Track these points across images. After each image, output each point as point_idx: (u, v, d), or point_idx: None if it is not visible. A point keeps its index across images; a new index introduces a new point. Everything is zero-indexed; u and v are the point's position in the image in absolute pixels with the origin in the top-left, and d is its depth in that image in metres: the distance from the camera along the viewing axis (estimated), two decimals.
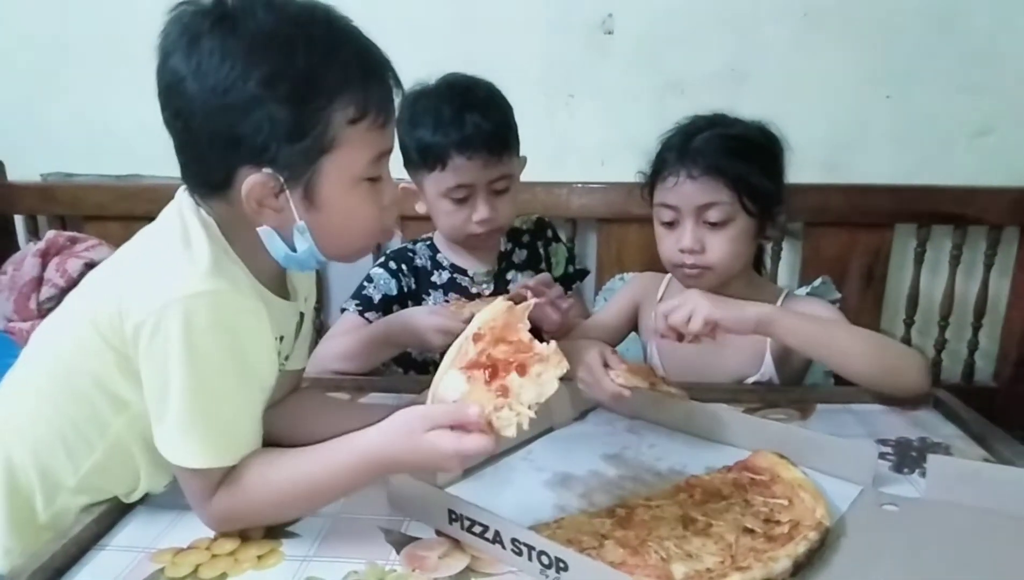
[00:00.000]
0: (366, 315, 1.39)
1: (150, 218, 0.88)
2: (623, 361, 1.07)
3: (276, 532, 0.83)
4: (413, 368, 1.47)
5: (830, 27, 1.84)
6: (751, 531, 0.80)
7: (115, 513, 0.87)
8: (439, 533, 0.83)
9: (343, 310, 1.43)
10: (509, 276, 1.49)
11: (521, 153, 1.40)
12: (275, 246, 0.84)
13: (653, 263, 1.33)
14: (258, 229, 0.83)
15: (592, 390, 1.07)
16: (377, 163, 0.85)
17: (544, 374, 0.73)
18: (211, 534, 0.83)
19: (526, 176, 1.43)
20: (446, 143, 1.28)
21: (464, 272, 1.47)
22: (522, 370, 0.73)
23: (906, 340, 1.95)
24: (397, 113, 0.87)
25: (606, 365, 1.06)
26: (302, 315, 0.99)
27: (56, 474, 0.85)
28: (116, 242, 0.95)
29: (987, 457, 1.00)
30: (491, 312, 0.77)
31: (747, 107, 1.24)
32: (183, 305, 0.75)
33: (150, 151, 0.82)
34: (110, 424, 0.84)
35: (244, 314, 0.80)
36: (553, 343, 0.75)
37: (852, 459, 0.93)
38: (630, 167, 1.30)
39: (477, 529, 0.78)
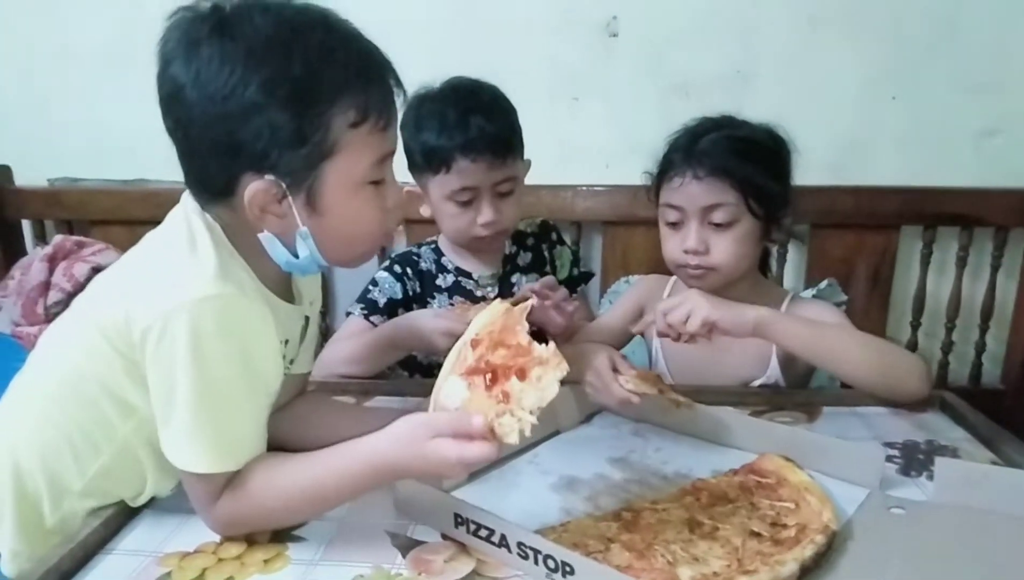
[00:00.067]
0: (371, 319, 1.40)
1: (156, 222, 0.88)
2: (632, 367, 1.07)
3: (282, 536, 0.83)
4: (418, 371, 1.47)
5: (836, 29, 1.84)
6: (758, 534, 0.79)
7: (122, 517, 0.87)
8: (445, 537, 0.83)
9: (348, 314, 1.43)
10: (514, 279, 1.49)
11: (526, 156, 1.40)
12: (277, 252, 0.84)
13: (658, 266, 1.33)
14: (259, 235, 0.83)
15: (600, 395, 1.06)
16: (380, 166, 0.85)
17: (544, 377, 0.72)
18: (217, 538, 0.83)
19: (531, 179, 1.43)
20: (451, 146, 1.28)
21: (469, 275, 1.47)
22: (522, 374, 0.72)
23: (913, 342, 1.94)
24: (401, 115, 0.87)
25: (615, 370, 1.06)
26: (307, 319, 0.99)
27: (63, 478, 0.86)
28: (123, 246, 0.95)
29: (995, 460, 0.99)
30: (488, 316, 0.77)
31: (753, 109, 1.24)
32: (190, 310, 0.75)
33: (156, 156, 0.82)
34: (117, 428, 0.84)
35: (250, 318, 0.80)
36: (552, 344, 0.74)
37: (859, 462, 0.93)
38: (635, 170, 1.30)
39: (483, 533, 0.78)
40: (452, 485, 0.91)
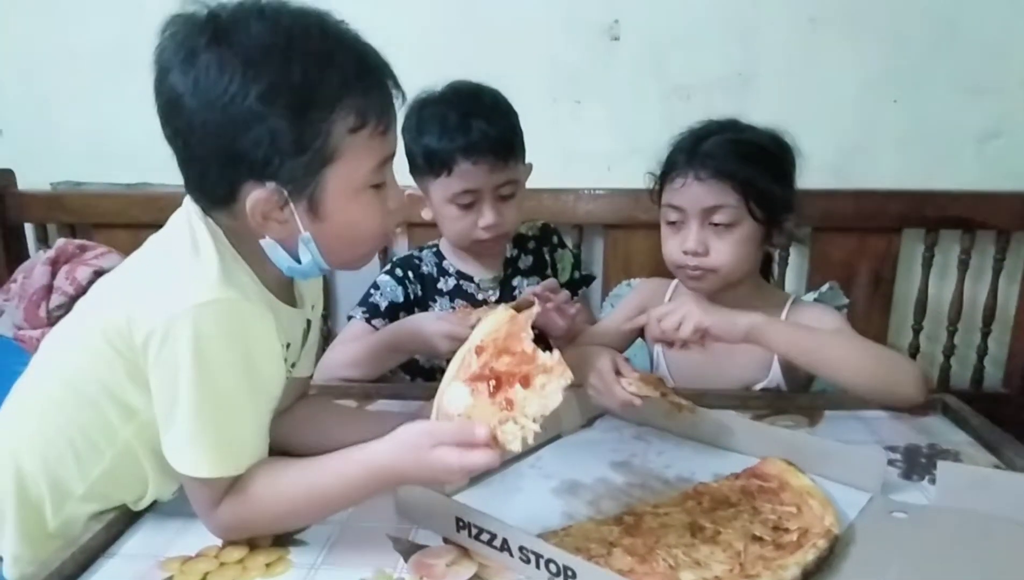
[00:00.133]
0: (373, 322, 1.40)
1: (158, 226, 0.88)
2: (635, 370, 1.07)
3: (284, 540, 0.83)
4: (420, 375, 1.47)
5: (836, 32, 1.84)
6: (760, 539, 0.79)
7: (123, 521, 0.87)
8: (447, 541, 0.83)
9: (349, 318, 1.44)
10: (515, 282, 1.50)
11: (528, 159, 1.40)
12: (279, 257, 0.85)
13: (660, 269, 1.33)
14: (261, 242, 0.83)
15: (602, 397, 1.06)
16: (380, 170, 0.85)
17: (548, 385, 0.72)
18: (219, 542, 0.83)
19: (532, 182, 1.44)
20: (452, 148, 1.28)
21: (470, 279, 1.47)
22: (526, 382, 0.72)
23: (914, 346, 1.94)
24: (403, 120, 0.87)
25: (618, 373, 1.06)
26: (309, 322, 0.99)
27: (65, 482, 0.86)
28: (125, 250, 0.95)
29: (997, 464, 0.99)
30: (493, 323, 0.77)
31: (754, 112, 1.24)
32: (192, 314, 0.75)
33: (158, 159, 0.82)
34: (118, 431, 0.84)
35: (253, 322, 0.80)
36: (556, 353, 0.75)
37: (861, 466, 0.93)
38: (637, 173, 1.30)
39: (485, 537, 0.78)
40: (454, 489, 0.91)
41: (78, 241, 1.87)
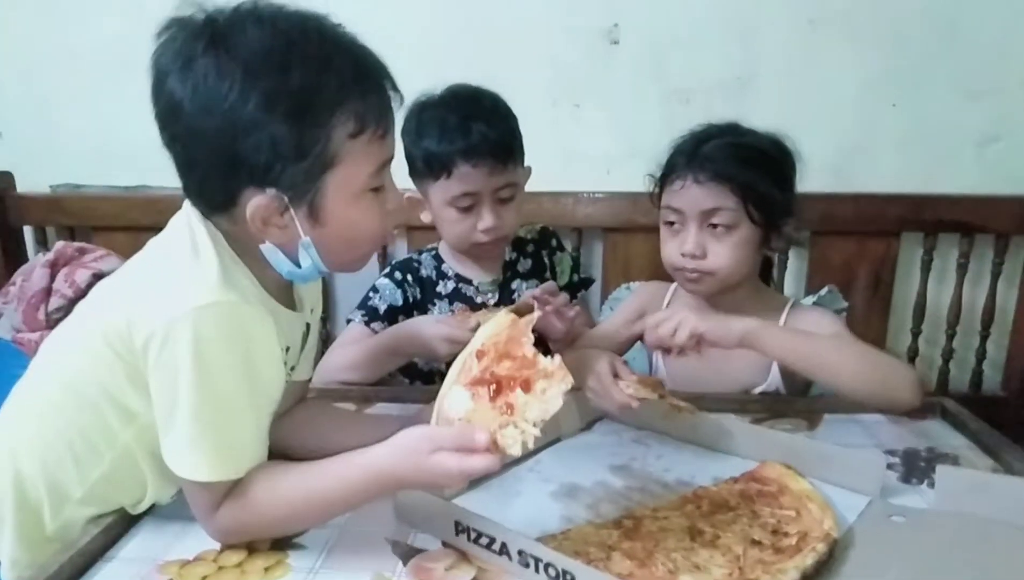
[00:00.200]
0: (372, 325, 1.40)
1: (158, 228, 0.88)
2: (633, 372, 1.07)
3: (282, 544, 0.83)
4: (419, 378, 1.47)
5: (836, 35, 1.84)
6: (759, 543, 0.79)
7: (122, 524, 0.87)
8: (446, 544, 0.83)
9: (348, 321, 1.44)
10: (514, 285, 1.50)
11: (527, 162, 1.40)
12: (279, 262, 0.85)
13: (659, 272, 1.33)
14: (261, 247, 0.83)
15: (600, 399, 1.06)
16: (379, 173, 0.85)
17: (549, 390, 0.73)
18: (218, 546, 0.83)
19: (532, 185, 1.44)
20: (452, 151, 1.29)
21: (469, 282, 1.47)
22: (527, 386, 0.72)
23: (913, 349, 1.94)
24: (402, 123, 0.87)
25: (616, 375, 1.06)
26: (308, 326, 0.99)
27: (64, 485, 0.85)
28: (125, 252, 0.95)
29: (996, 467, 0.99)
30: (494, 327, 0.77)
31: (753, 116, 1.24)
32: (193, 317, 0.75)
33: (158, 162, 0.82)
34: (118, 435, 0.84)
35: (253, 326, 0.80)
36: (558, 358, 0.75)
37: (860, 470, 0.93)
38: (636, 176, 1.30)
39: (484, 540, 0.78)
40: (453, 493, 0.91)
41: (77, 244, 1.86)
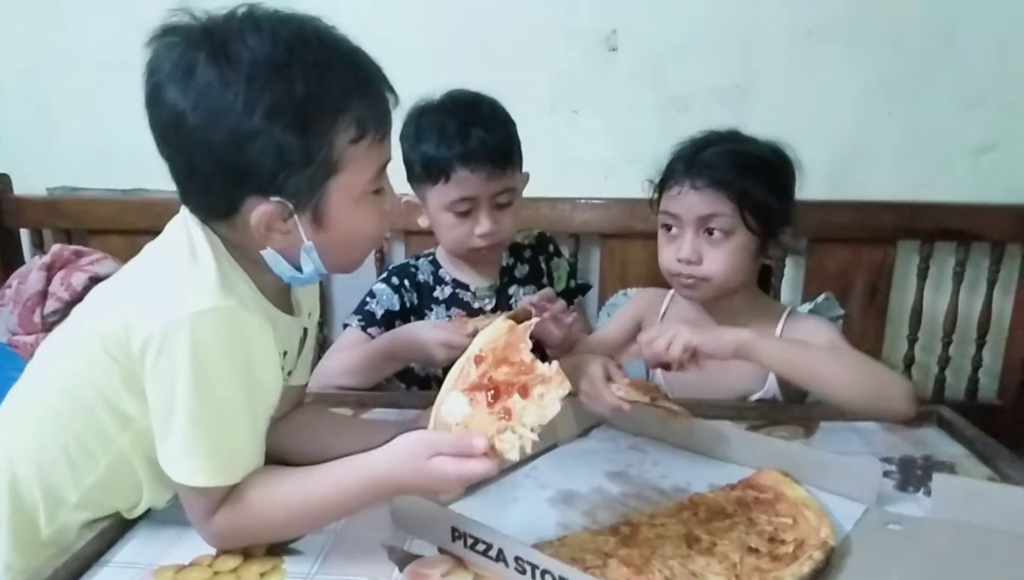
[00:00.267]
0: (368, 330, 1.40)
1: (155, 232, 0.88)
2: (626, 376, 1.07)
3: (278, 549, 0.83)
4: (415, 383, 1.47)
5: (833, 44, 1.84)
6: (755, 550, 0.79)
7: (117, 529, 0.87)
8: (442, 551, 0.82)
9: (345, 326, 1.44)
10: (511, 291, 1.50)
11: (525, 168, 1.40)
12: (280, 267, 0.85)
13: (656, 279, 1.33)
14: (262, 252, 0.83)
15: (592, 402, 1.06)
16: (379, 176, 0.85)
17: (546, 395, 0.73)
18: (213, 551, 0.82)
19: (530, 191, 1.44)
20: (450, 156, 1.29)
21: (466, 287, 1.47)
22: (524, 392, 0.73)
23: (909, 357, 1.95)
24: (401, 128, 0.87)
25: (609, 378, 1.06)
26: (305, 330, 0.99)
27: (59, 489, 0.85)
28: (121, 256, 0.95)
29: (992, 476, 0.99)
30: (492, 332, 0.77)
31: (750, 124, 1.24)
32: (190, 322, 0.75)
33: (155, 165, 0.82)
34: (113, 439, 0.84)
35: (251, 331, 0.80)
36: (555, 363, 0.75)
37: (856, 477, 0.93)
38: (634, 183, 1.30)
39: (480, 547, 0.78)
40: (449, 498, 0.91)
41: (74, 247, 1.86)
